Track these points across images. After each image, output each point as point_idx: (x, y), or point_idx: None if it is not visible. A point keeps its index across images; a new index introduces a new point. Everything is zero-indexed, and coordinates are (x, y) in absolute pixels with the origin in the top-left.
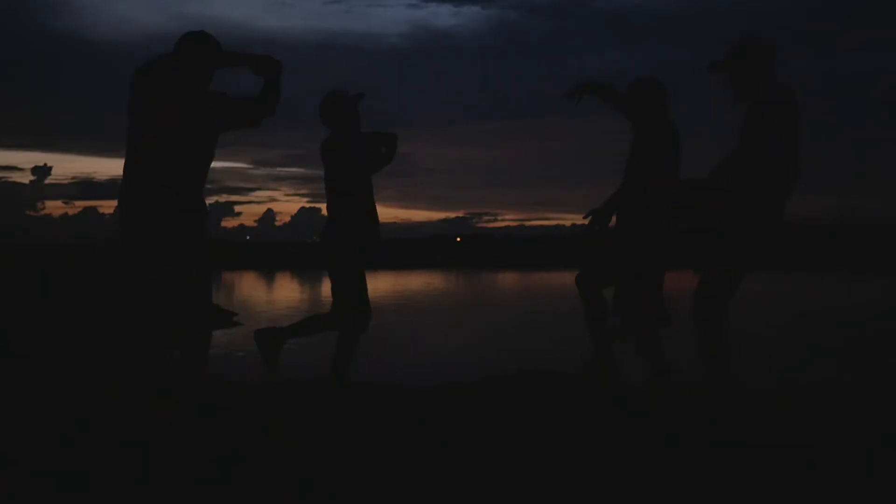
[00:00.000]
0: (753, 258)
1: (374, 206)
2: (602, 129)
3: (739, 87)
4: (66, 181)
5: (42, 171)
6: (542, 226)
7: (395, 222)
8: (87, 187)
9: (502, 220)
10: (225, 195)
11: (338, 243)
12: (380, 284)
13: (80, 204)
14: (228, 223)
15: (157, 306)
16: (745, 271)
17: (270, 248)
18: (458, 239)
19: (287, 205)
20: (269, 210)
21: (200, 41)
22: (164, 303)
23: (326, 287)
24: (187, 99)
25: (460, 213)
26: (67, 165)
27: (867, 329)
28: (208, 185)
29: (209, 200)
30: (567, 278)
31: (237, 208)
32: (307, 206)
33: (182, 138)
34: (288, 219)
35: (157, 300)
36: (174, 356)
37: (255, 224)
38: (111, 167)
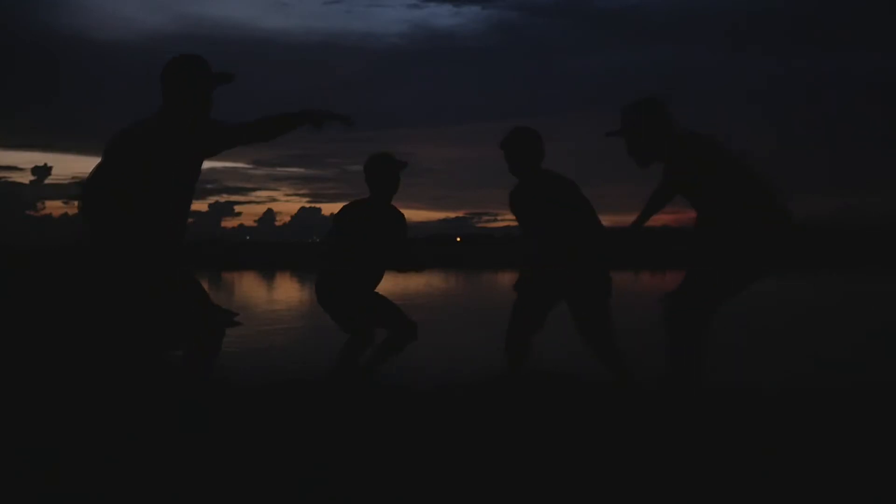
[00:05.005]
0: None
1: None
2: (601, 128)
3: (638, 154)
4: (66, 181)
5: (42, 171)
6: None
7: None
8: None
9: (502, 220)
10: (225, 195)
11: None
12: (381, 285)
13: None
14: (228, 223)
15: (152, 312)
16: (734, 287)
17: (270, 248)
18: (458, 239)
19: (287, 205)
20: (269, 210)
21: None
22: (159, 308)
23: None
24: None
25: (460, 214)
26: (67, 165)
27: (867, 329)
28: (208, 185)
29: (210, 201)
30: None
31: (237, 208)
32: (307, 205)
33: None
34: (288, 219)
35: (150, 306)
36: (175, 357)
37: (255, 224)
38: None
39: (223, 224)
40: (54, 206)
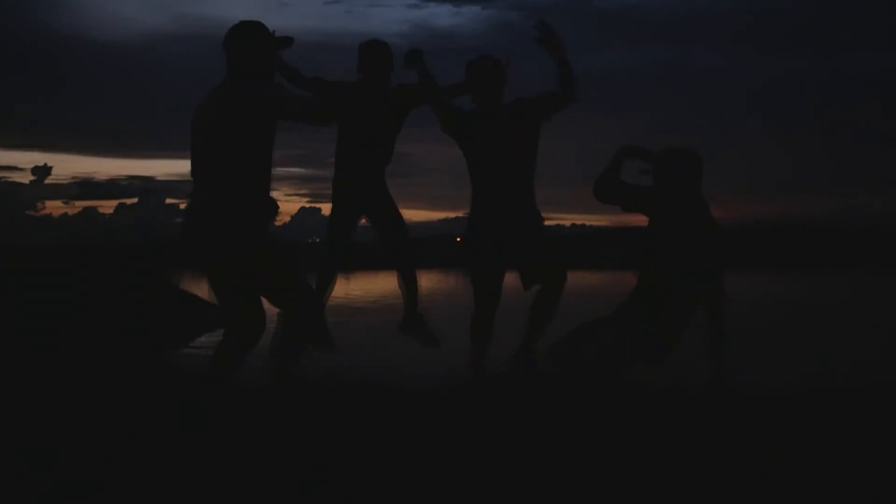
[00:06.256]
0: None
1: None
2: (601, 128)
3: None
4: (66, 181)
5: (42, 171)
6: None
7: None
8: (87, 187)
9: None
10: None
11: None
12: (379, 284)
13: (80, 204)
14: None
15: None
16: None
17: None
18: (458, 239)
19: (287, 205)
20: None
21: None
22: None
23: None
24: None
25: (460, 214)
26: (67, 165)
27: (867, 329)
28: None
29: None
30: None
31: None
32: (307, 206)
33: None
34: (288, 219)
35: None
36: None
37: None
38: (111, 167)
39: None
40: (54, 206)
